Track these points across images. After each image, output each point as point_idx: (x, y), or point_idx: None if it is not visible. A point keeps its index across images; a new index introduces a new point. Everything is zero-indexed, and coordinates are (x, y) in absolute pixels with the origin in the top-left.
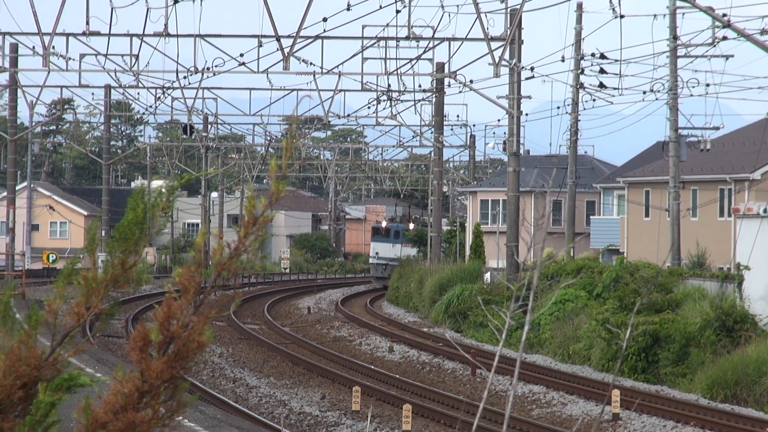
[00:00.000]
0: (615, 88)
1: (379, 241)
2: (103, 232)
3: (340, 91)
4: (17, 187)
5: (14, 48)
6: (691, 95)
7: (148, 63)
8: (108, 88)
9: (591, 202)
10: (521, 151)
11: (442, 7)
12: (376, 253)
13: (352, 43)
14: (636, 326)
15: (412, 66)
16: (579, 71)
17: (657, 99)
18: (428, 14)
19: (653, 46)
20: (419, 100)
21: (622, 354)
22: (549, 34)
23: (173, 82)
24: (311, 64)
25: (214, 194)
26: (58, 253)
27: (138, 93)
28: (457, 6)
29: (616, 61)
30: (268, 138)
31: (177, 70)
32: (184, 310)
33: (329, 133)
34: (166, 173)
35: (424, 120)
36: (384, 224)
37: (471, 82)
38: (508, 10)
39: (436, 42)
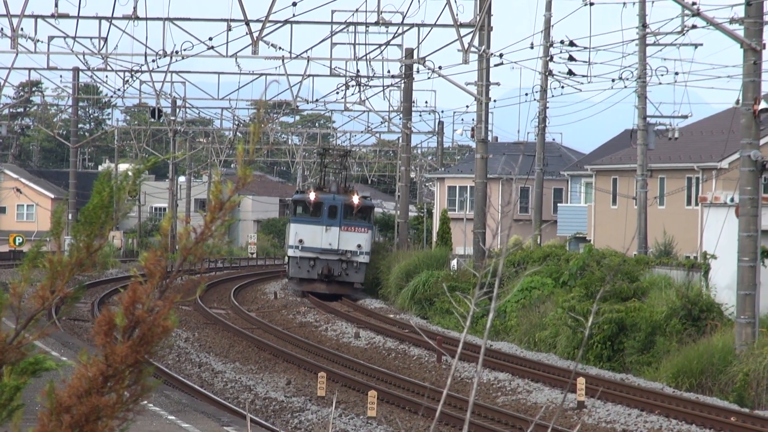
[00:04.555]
0: (584, 76)
1: (303, 222)
2: (70, 216)
3: (309, 76)
4: None
5: None
6: (660, 83)
7: (117, 46)
8: (76, 70)
9: (558, 189)
10: (489, 138)
11: None
12: (299, 242)
13: (321, 28)
14: (600, 313)
15: (381, 52)
16: (548, 58)
17: (626, 87)
18: (398, 0)
19: (622, 34)
20: (388, 86)
21: (585, 341)
22: (518, 20)
23: (142, 65)
24: (280, 48)
25: (182, 178)
26: (24, 235)
27: (106, 76)
28: None
29: (585, 48)
30: (236, 122)
31: (146, 53)
32: (150, 295)
33: (297, 118)
34: (134, 157)
35: (393, 106)
36: (312, 196)
37: (440, 68)
38: None
39: (405, 28)
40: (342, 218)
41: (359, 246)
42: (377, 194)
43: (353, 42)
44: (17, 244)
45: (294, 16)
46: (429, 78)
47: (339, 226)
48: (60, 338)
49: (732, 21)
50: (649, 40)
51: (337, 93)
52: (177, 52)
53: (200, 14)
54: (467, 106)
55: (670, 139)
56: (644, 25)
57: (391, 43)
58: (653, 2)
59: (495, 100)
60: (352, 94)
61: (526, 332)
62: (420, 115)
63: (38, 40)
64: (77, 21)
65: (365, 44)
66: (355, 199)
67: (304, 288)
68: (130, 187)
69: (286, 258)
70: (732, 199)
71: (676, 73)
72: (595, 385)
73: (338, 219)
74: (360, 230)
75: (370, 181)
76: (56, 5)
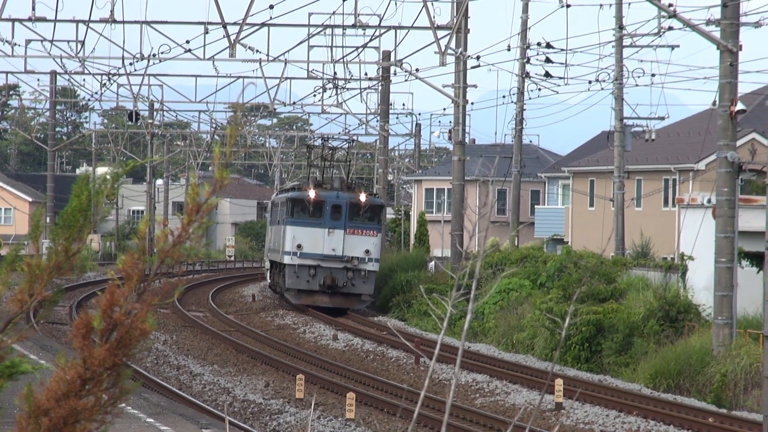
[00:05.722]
0: (561, 78)
1: (301, 224)
2: (48, 219)
3: (286, 78)
4: None
5: None
6: (637, 85)
7: (94, 49)
8: (54, 74)
9: (536, 191)
10: (466, 140)
11: None
12: (297, 247)
13: (299, 31)
14: (577, 314)
15: (359, 54)
16: (525, 60)
17: (602, 89)
18: (375, 2)
19: (599, 36)
20: (365, 89)
21: (561, 342)
22: (495, 23)
23: (119, 68)
24: (257, 51)
25: (160, 181)
26: (2, 239)
27: (84, 79)
28: None
29: (562, 50)
30: (214, 125)
31: (123, 56)
32: (127, 298)
33: (275, 120)
34: (111, 160)
35: (370, 108)
36: (312, 194)
37: (417, 70)
38: None
39: (382, 30)
40: (347, 219)
41: (367, 251)
42: None
43: (330, 44)
44: None
45: (271, 18)
46: (406, 80)
47: (344, 229)
48: (38, 341)
49: (708, 22)
50: (626, 41)
51: (315, 95)
52: (154, 55)
53: (177, 17)
54: (444, 109)
55: (647, 141)
56: (621, 27)
57: (369, 45)
58: (630, 4)
59: (472, 103)
60: (330, 97)
61: (504, 334)
62: (397, 118)
63: (15, 44)
64: (54, 24)
65: (342, 47)
66: (363, 197)
67: (303, 301)
68: (109, 190)
69: (267, 263)
70: (709, 201)
71: (653, 75)
72: (573, 387)
73: (343, 220)
74: (368, 233)
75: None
76: (33, 8)
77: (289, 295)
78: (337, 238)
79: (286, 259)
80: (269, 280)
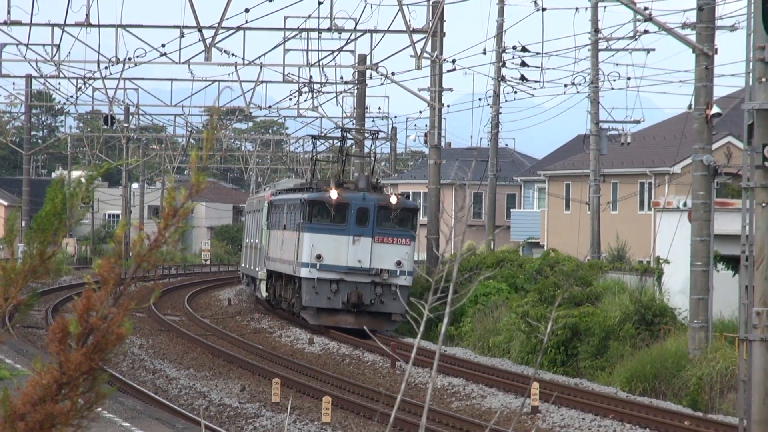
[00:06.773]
0: (536, 81)
1: (321, 231)
2: (23, 223)
3: (262, 82)
4: None
5: None
6: (612, 89)
7: (70, 53)
8: (29, 78)
9: (511, 194)
10: (442, 144)
11: None
12: (317, 258)
13: (274, 35)
14: (554, 318)
15: (334, 58)
16: (500, 64)
17: (578, 92)
18: (350, 6)
19: (575, 39)
20: (341, 92)
21: (544, 347)
22: (471, 26)
23: (94, 72)
24: (233, 55)
25: (135, 185)
26: None
27: (59, 83)
28: None
29: (538, 54)
30: (189, 129)
31: (98, 60)
32: (104, 302)
33: (251, 124)
34: (87, 164)
35: (346, 112)
36: (334, 194)
37: (393, 74)
38: (431, 2)
39: (358, 34)
40: (375, 225)
41: (399, 263)
42: None
43: (306, 48)
44: None
45: (247, 22)
46: (382, 84)
47: (371, 236)
48: (14, 346)
49: (684, 26)
50: (602, 45)
51: (290, 99)
52: (130, 58)
53: (153, 21)
54: (420, 112)
55: (623, 144)
56: (596, 31)
57: (344, 49)
58: (605, 8)
59: (448, 106)
60: (305, 101)
61: (480, 337)
62: (373, 121)
63: None
64: (30, 28)
65: (318, 50)
66: (393, 199)
67: (323, 322)
68: (83, 193)
69: (261, 272)
70: (685, 204)
71: (629, 78)
72: (549, 390)
73: (370, 226)
74: (400, 241)
75: None
76: (9, 12)
77: (306, 315)
78: (364, 247)
79: (304, 272)
80: (265, 293)
